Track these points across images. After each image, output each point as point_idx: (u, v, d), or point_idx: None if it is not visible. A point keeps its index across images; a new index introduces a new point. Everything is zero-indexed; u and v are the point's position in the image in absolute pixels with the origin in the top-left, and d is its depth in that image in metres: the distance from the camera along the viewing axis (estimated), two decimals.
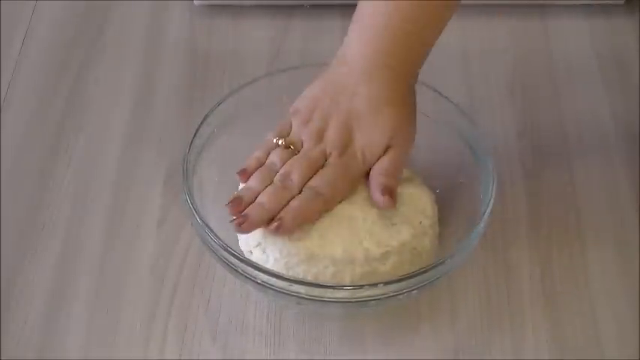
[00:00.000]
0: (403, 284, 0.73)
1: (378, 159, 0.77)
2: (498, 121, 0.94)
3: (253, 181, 0.76)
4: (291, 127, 0.79)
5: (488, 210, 0.76)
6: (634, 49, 1.01)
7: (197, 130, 0.81)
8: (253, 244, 0.77)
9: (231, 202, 0.75)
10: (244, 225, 0.74)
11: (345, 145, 0.77)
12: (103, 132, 0.94)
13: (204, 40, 1.03)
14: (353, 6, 0.79)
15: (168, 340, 0.78)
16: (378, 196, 0.76)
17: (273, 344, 0.78)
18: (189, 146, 0.80)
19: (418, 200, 0.79)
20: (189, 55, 1.02)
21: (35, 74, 0.99)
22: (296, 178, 0.76)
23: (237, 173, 0.78)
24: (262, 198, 0.75)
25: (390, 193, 0.76)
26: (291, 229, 0.74)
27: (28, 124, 0.95)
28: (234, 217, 0.74)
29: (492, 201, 0.77)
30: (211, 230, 0.75)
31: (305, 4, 1.04)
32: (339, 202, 0.76)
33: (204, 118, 0.82)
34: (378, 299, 0.73)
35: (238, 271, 0.74)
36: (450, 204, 0.81)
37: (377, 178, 0.76)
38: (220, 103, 0.83)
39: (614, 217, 0.87)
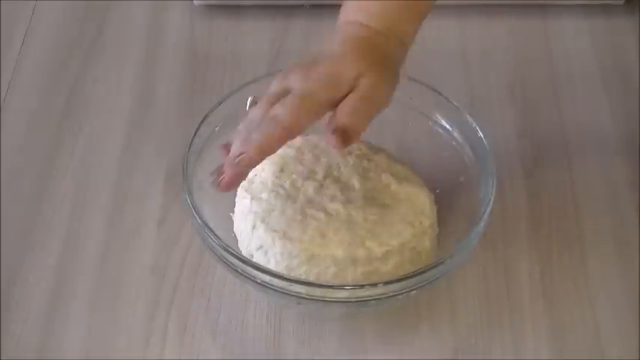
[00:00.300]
0: (403, 284, 0.73)
1: (346, 95, 0.71)
2: (498, 121, 0.94)
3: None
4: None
5: (488, 210, 0.76)
6: (634, 49, 1.01)
7: (197, 130, 0.81)
8: (255, 248, 0.77)
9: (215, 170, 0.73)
10: (221, 183, 0.72)
11: (308, 70, 0.72)
12: (103, 132, 0.94)
13: (204, 40, 1.03)
14: None
15: (169, 340, 0.78)
16: (327, 136, 0.70)
17: (273, 344, 0.78)
18: (189, 146, 0.80)
19: (416, 199, 0.79)
20: (189, 55, 1.02)
21: (35, 74, 0.99)
22: (259, 119, 0.72)
23: (220, 147, 0.75)
24: (233, 149, 0.72)
25: (342, 132, 0.70)
26: (253, 160, 0.71)
27: (29, 124, 0.95)
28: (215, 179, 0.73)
29: (492, 201, 0.77)
30: (211, 230, 0.75)
31: (305, 4, 1.04)
32: (305, 128, 0.71)
33: (204, 118, 0.82)
34: (378, 299, 0.73)
35: (238, 271, 0.74)
36: (449, 204, 0.81)
37: (335, 115, 0.71)
38: (220, 103, 0.83)
39: (614, 217, 0.87)
